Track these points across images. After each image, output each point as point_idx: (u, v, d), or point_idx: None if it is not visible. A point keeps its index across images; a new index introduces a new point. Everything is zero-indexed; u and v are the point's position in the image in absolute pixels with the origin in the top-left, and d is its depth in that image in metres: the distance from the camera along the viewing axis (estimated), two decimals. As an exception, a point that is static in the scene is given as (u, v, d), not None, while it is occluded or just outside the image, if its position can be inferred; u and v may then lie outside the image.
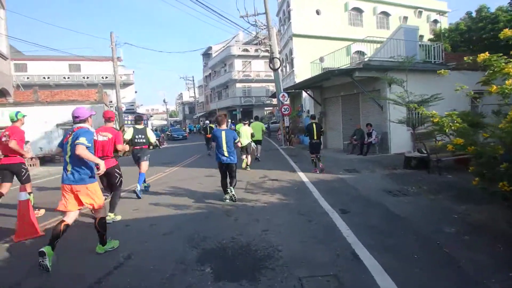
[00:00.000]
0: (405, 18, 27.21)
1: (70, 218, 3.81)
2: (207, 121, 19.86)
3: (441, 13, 30.06)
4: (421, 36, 23.75)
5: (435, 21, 29.41)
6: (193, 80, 56.85)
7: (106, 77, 35.50)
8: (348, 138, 14.60)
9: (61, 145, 3.95)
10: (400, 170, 9.27)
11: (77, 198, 3.81)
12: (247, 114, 43.90)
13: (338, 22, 24.78)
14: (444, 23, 29.62)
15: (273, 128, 33.13)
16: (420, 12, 28.37)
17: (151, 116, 55.60)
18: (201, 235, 4.45)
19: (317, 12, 24.21)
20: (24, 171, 5.93)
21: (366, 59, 12.54)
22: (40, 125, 18.08)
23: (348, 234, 4.37)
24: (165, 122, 69.53)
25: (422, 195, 6.41)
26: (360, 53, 22.72)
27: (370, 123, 13.00)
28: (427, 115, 5.84)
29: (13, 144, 5.45)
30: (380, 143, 13.01)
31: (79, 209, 3.95)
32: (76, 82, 34.62)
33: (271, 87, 43.25)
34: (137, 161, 7.28)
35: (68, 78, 35.00)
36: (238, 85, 43.72)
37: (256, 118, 16.83)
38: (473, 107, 14.51)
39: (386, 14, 26.82)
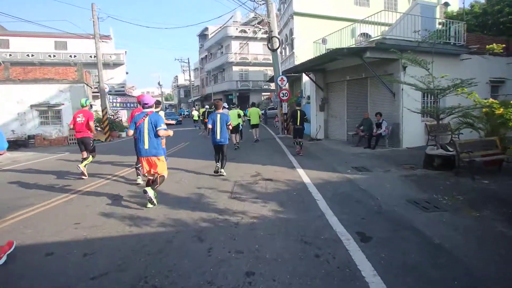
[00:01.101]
0: (415, -1, 25.21)
1: (147, 177, 5.47)
2: (207, 106, 21.08)
3: (453, -5, 28.06)
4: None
5: (446, 4, 27.43)
6: (189, 63, 54.61)
7: (95, 56, 33.30)
8: (353, 129, 13.01)
9: (134, 126, 5.25)
10: (420, 170, 7.71)
11: (150, 166, 5.28)
12: (243, 99, 42.09)
13: (343, 1, 22.81)
14: (455, 6, 27.74)
15: (270, 114, 31.42)
16: (430, -6, 26.32)
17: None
18: (150, 283, 2.88)
19: (321, -11, 22.19)
20: (92, 143, 8.15)
21: (378, 37, 10.81)
22: (12, 105, 16.33)
23: (377, 284, 2.82)
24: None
25: (461, 210, 4.86)
26: (366, 35, 20.88)
27: (379, 112, 11.39)
28: (482, 104, 4.21)
29: (92, 123, 7.91)
30: (390, 135, 11.43)
31: (151, 173, 5.33)
32: (62, 60, 32.47)
33: (269, 71, 41.30)
34: None
35: (54, 56, 32.83)
36: (235, 68, 41.71)
37: (253, 104, 16.46)
38: (494, 96, 12.95)
39: (395, -7, 24.82)
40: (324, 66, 14.40)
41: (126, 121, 26.54)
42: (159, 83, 73.99)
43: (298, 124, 10.80)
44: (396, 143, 11.27)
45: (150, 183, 5.34)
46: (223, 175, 7.48)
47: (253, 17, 42.15)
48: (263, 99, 43.62)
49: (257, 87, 42.85)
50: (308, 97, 21.70)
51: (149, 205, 5.15)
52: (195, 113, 27.18)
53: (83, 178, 7.57)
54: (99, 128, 18.46)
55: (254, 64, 42.16)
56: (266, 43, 41.86)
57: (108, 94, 30.78)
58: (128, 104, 30.29)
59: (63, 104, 16.77)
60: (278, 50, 18.01)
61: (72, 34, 29.45)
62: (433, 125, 11.79)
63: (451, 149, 7.81)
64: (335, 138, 14.57)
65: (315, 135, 15.15)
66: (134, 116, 5.40)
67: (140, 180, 7.01)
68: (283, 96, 16.94)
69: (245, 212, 4.81)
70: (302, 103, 21.48)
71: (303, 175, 7.34)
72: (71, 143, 16.88)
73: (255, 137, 14.66)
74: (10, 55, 31.28)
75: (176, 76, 75.36)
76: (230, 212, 4.82)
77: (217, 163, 7.72)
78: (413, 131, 11.35)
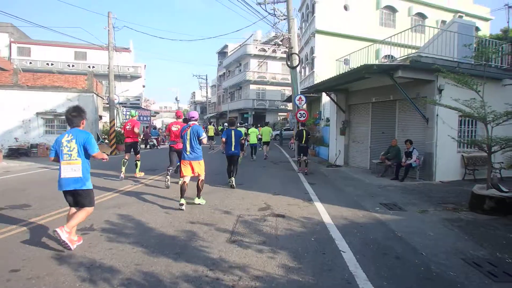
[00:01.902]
0: (443, 22, 24.08)
1: (187, 179, 6.34)
2: (226, 124, 21.40)
3: (483, 19, 26.83)
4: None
5: (477, 29, 26.15)
6: (206, 79, 54.56)
7: (113, 68, 33.32)
8: (378, 156, 11.66)
9: (182, 135, 6.48)
10: (467, 213, 6.28)
11: (192, 168, 6.34)
12: (259, 118, 41.17)
13: (367, 20, 21.90)
14: (485, 30, 26.44)
15: (286, 135, 30.21)
16: (461, 17, 25.15)
17: (156, 113, 53.31)
18: None
19: (345, 8, 21.38)
20: (138, 147, 10.11)
21: (413, 54, 9.57)
22: (18, 112, 15.73)
23: None
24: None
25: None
26: (391, 57, 19.77)
27: (410, 139, 10.03)
28: None
29: (137, 130, 9.76)
30: (421, 166, 10.01)
31: (192, 174, 6.36)
32: (80, 70, 32.45)
33: (287, 91, 40.48)
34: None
35: (73, 66, 32.99)
36: (252, 86, 41.06)
37: (266, 124, 18.65)
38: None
39: (422, 16, 23.79)
40: (347, 86, 13.23)
41: (142, 135, 25.85)
42: (176, 98, 74.43)
43: (303, 142, 11.59)
44: (428, 176, 9.84)
45: (197, 192, 6.51)
46: (233, 187, 8.21)
47: (273, 36, 41.84)
48: (279, 119, 42.61)
49: (273, 107, 41.95)
50: (327, 119, 20.48)
51: (200, 202, 6.51)
52: (210, 128, 26.27)
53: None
54: (106, 141, 17.67)
55: (272, 84, 41.43)
56: (284, 62, 41.51)
57: (123, 106, 30.56)
58: (142, 117, 29.81)
59: (70, 113, 16.07)
60: (298, 68, 16.99)
61: (92, 45, 29.53)
62: (472, 157, 10.36)
63: (505, 189, 6.39)
64: (357, 165, 13.19)
65: (334, 160, 13.82)
66: (181, 129, 6.79)
67: (168, 182, 8.25)
68: (300, 117, 15.73)
69: (246, 268, 3.55)
70: (320, 125, 20.26)
71: (323, 212, 6.03)
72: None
73: (265, 153, 16.31)
74: (30, 63, 31.57)
75: (194, 92, 75.80)
76: (225, 266, 3.56)
77: (230, 178, 8.42)
78: (447, 163, 9.93)
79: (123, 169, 9.43)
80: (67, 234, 3.74)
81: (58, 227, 3.75)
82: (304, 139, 11.50)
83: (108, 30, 16.54)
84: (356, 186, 8.99)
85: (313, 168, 12.84)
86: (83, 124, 4.15)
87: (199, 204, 6.37)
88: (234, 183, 8.24)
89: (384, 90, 11.51)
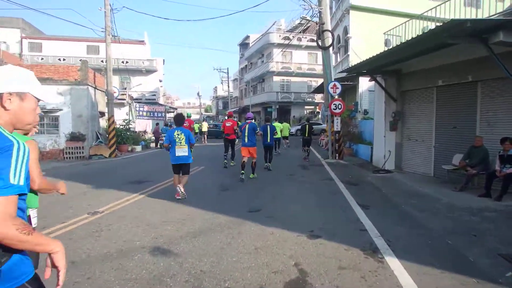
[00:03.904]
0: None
1: (245, 159, 8.73)
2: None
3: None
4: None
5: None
6: (228, 73, 51.82)
7: (127, 62, 31.34)
8: (447, 159, 8.45)
9: (241, 129, 9.04)
10: None
11: (248, 152, 8.77)
12: (284, 112, 38.12)
13: (413, -8, 18.22)
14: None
15: (315, 130, 26.95)
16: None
17: (175, 109, 51.28)
18: None
19: (386, -23, 17.83)
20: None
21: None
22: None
23: None
24: (198, 116, 65.41)
25: None
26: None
27: (509, 137, 6.76)
28: None
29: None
30: (527, 176, 6.71)
31: (249, 155, 8.75)
32: (93, 65, 30.58)
33: (314, 82, 37.10)
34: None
35: (86, 60, 31.23)
36: (276, 78, 37.95)
37: (281, 119, 21.06)
38: None
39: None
40: (400, 66, 9.99)
41: (151, 132, 23.55)
42: (198, 94, 72.58)
43: (306, 135, 13.52)
44: (539, 191, 6.55)
45: (252, 170, 8.94)
46: (270, 169, 10.32)
47: (298, 23, 38.43)
48: (306, 112, 39.29)
49: (299, 100, 38.65)
50: (365, 112, 17.20)
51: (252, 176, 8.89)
52: (204, 125, 23.95)
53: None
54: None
55: (297, 75, 38.10)
56: (311, 51, 38.23)
57: (136, 102, 28.44)
58: (156, 114, 27.55)
59: (61, 109, 13.77)
60: (330, 50, 13.83)
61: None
62: None
63: None
64: (413, 171, 9.95)
65: (383, 164, 10.63)
66: (240, 124, 10.32)
67: (225, 163, 10.95)
68: (335, 109, 12.66)
69: None
70: (357, 118, 17.00)
71: (405, 280, 3.08)
72: (67, 158, 13.79)
73: (285, 145, 17.89)
74: (42, 58, 30.13)
75: (215, 87, 73.60)
76: None
77: (266, 163, 10.52)
78: None
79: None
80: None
81: None
82: (307, 132, 13.43)
83: (105, 12, 14.06)
84: (433, 210, 5.88)
85: (356, 175, 9.76)
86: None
87: (254, 177, 8.80)
88: (270, 167, 10.44)
89: (457, 69, 8.25)
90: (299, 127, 27.60)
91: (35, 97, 1.42)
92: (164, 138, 20.56)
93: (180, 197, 6.33)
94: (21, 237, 1.18)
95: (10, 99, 1.33)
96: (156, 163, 12.94)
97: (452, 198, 6.76)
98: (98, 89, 15.88)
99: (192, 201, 6.29)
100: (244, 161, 8.71)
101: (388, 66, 9.82)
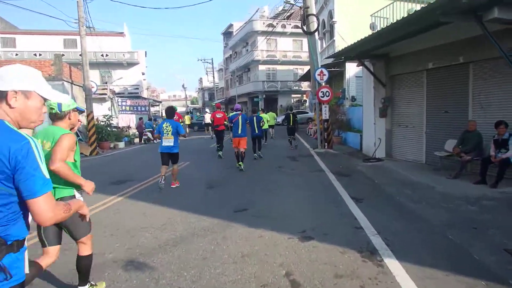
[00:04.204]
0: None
1: (239, 150, 8.98)
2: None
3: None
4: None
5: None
6: (212, 63, 50.76)
7: (107, 55, 30.24)
8: (438, 145, 8.21)
9: (231, 121, 9.45)
10: None
11: (240, 143, 9.00)
12: (271, 101, 37.66)
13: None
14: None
15: (301, 119, 26.63)
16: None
17: (160, 102, 50.24)
18: None
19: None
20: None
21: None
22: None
23: None
24: (184, 109, 64.33)
25: None
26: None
27: (504, 121, 6.50)
28: None
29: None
30: (522, 161, 6.49)
31: (240, 146, 9.00)
32: (71, 60, 29.39)
33: (300, 70, 36.63)
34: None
35: (63, 55, 29.90)
36: (261, 67, 37.34)
37: (268, 109, 20.79)
38: None
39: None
40: (388, 50, 9.63)
41: (135, 127, 22.82)
42: (183, 86, 71.30)
43: (291, 124, 13.84)
44: (535, 176, 6.35)
45: (241, 159, 8.95)
46: (261, 156, 10.98)
47: (282, 10, 37.68)
48: (293, 101, 38.91)
49: (286, 88, 38.18)
50: (353, 98, 16.90)
51: (239, 164, 8.88)
52: (187, 118, 23.32)
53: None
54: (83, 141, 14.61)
55: (283, 63, 37.54)
56: (296, 38, 37.58)
57: (118, 96, 27.52)
58: (139, 108, 26.72)
59: (35, 107, 13.01)
60: (316, 35, 13.37)
61: (95, 32, 26.51)
62: None
63: None
64: (405, 158, 9.70)
65: (373, 152, 10.35)
66: (231, 116, 10.31)
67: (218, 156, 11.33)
68: (322, 96, 12.29)
69: None
70: (345, 105, 16.71)
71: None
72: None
73: (271, 135, 17.35)
74: (16, 54, 28.76)
75: (201, 78, 72.45)
76: None
77: (255, 153, 10.90)
78: None
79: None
80: None
81: None
82: (291, 121, 13.81)
83: (77, 1, 13.20)
84: (428, 200, 5.59)
85: (346, 164, 9.46)
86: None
87: (241, 167, 8.79)
88: (261, 155, 11.03)
89: (447, 50, 7.94)
90: (284, 116, 27.34)
91: (41, 96, 1.44)
92: (147, 133, 19.96)
93: (174, 186, 7.07)
94: (67, 216, 1.47)
95: (15, 97, 1.36)
96: (140, 159, 12.40)
97: (447, 186, 6.50)
98: (75, 84, 15.11)
99: (174, 202, 5.86)
100: (236, 152, 9.06)
101: (376, 49, 9.42)
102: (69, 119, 2.71)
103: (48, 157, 2.42)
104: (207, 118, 22.39)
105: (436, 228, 4.32)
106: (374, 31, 9.60)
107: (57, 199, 2.43)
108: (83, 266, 2.73)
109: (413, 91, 9.41)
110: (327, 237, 4.05)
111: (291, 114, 14.04)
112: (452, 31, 7.24)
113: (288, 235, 4.12)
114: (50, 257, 2.58)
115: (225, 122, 11.81)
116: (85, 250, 2.70)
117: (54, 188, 2.43)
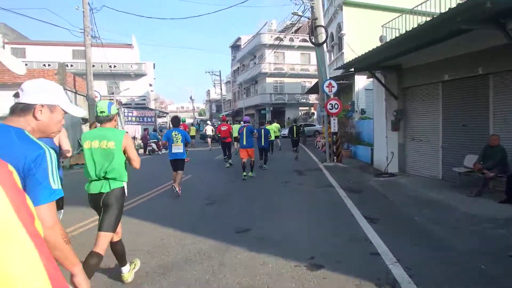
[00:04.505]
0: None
1: (245, 160, 9.17)
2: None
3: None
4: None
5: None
6: (220, 76, 50.98)
7: (115, 66, 30.45)
8: (457, 160, 7.67)
9: (239, 132, 9.75)
10: None
11: (247, 153, 9.26)
12: (278, 114, 37.34)
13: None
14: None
15: (308, 131, 26.20)
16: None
17: (166, 113, 50.37)
18: None
19: (380, -29, 17.15)
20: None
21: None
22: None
23: None
24: (191, 121, 64.43)
25: None
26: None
27: (531, 134, 5.98)
28: None
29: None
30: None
31: (247, 157, 9.29)
32: (79, 70, 29.67)
33: (307, 83, 36.37)
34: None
35: (72, 65, 30.22)
36: (269, 79, 37.17)
37: (273, 121, 20.19)
38: None
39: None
40: (400, 61, 9.20)
41: (140, 139, 22.55)
42: (191, 98, 71.68)
43: (294, 136, 14.26)
44: None
45: (250, 168, 9.47)
46: (265, 168, 11.08)
47: (290, 24, 37.72)
48: (300, 114, 38.53)
49: (293, 101, 37.90)
50: (362, 111, 16.43)
51: (251, 174, 9.49)
52: (208, 128, 22.51)
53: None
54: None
55: (290, 75, 37.35)
56: (304, 51, 37.48)
57: (125, 107, 27.44)
58: (145, 119, 26.59)
59: (37, 117, 12.83)
60: (325, 46, 13.03)
61: (92, 43, 26.69)
62: None
63: None
64: (420, 174, 9.14)
65: (385, 167, 9.81)
66: (239, 128, 10.58)
67: (228, 164, 11.64)
68: (331, 109, 11.86)
69: None
70: (354, 118, 16.23)
71: None
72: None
73: (279, 146, 18.14)
74: (26, 64, 28.92)
75: (208, 90, 72.76)
76: None
77: (261, 161, 11.31)
78: None
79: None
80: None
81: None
82: (295, 133, 14.30)
83: (83, 12, 13.14)
84: (452, 223, 5.04)
85: (357, 179, 8.93)
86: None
87: (252, 176, 9.41)
88: (265, 167, 11.16)
89: (465, 61, 7.48)
90: (288, 129, 26.87)
91: (63, 110, 1.56)
92: (151, 144, 19.61)
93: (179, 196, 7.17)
94: (61, 245, 1.39)
95: (41, 111, 1.47)
96: (143, 171, 11.97)
97: (470, 205, 5.94)
98: (79, 94, 14.96)
99: (171, 219, 5.40)
100: (244, 162, 9.26)
101: (387, 60, 9.00)
102: (115, 121, 3.10)
103: (110, 154, 2.89)
104: (209, 130, 22.06)
105: (464, 256, 3.78)
106: (383, 44, 9.21)
107: (111, 190, 2.90)
108: (119, 250, 3.14)
109: (427, 104, 8.92)
110: (339, 265, 3.54)
111: (294, 127, 14.59)
112: (469, 41, 6.81)
113: (294, 262, 3.63)
114: (118, 236, 3.13)
115: (231, 134, 12.40)
116: (116, 237, 3.11)
117: (108, 179, 2.90)
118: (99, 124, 3.07)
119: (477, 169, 6.63)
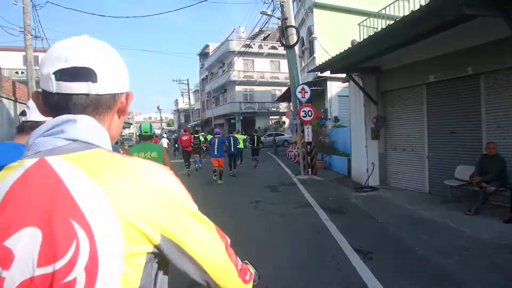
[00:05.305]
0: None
1: (217, 168, 10.18)
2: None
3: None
4: None
5: None
6: (188, 84, 49.21)
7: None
8: (446, 172, 6.85)
9: (210, 143, 10.69)
10: None
11: (218, 162, 10.12)
12: (248, 123, 36.25)
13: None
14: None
15: (279, 141, 25.29)
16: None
17: (130, 124, 48.05)
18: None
19: (349, -26, 16.68)
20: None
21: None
22: None
23: None
24: (158, 131, 61.92)
25: None
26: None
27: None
28: None
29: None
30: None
31: (218, 165, 10.18)
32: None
33: (278, 91, 35.63)
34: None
35: (22, 73, 27.64)
36: (238, 88, 36.15)
37: (239, 132, 19.89)
38: None
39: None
40: (379, 62, 8.39)
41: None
42: (158, 108, 69.42)
43: (255, 145, 15.05)
44: None
45: (219, 176, 10.21)
46: (235, 176, 11.69)
47: (258, 31, 37.04)
48: (271, 123, 37.71)
49: (263, 110, 37.01)
50: (336, 119, 15.66)
51: (220, 182, 10.15)
52: (164, 141, 20.58)
53: None
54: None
55: (260, 83, 36.54)
56: (273, 59, 36.91)
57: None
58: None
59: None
60: (296, 49, 12.11)
61: (45, 48, 24.42)
62: None
63: None
64: (404, 187, 8.27)
65: (366, 180, 8.87)
66: (209, 139, 12.02)
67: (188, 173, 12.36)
68: (305, 116, 10.89)
69: None
70: (327, 126, 15.40)
71: None
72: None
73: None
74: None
75: (176, 100, 70.70)
76: None
77: (231, 170, 11.91)
78: None
79: None
80: None
81: None
82: (255, 142, 14.95)
83: (23, 7, 11.41)
84: (459, 251, 4.05)
85: (336, 195, 7.89)
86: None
87: (221, 183, 10.10)
88: (235, 173, 11.87)
89: (452, 61, 6.73)
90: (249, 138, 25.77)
91: None
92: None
93: None
94: None
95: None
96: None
97: (473, 227, 5.02)
98: (20, 102, 13.06)
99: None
100: (215, 169, 10.27)
101: (366, 61, 8.14)
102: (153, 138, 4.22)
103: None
104: (164, 143, 20.25)
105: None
106: (362, 41, 8.35)
107: None
108: None
109: (410, 109, 8.11)
110: None
111: (255, 136, 15.29)
112: (457, 38, 6.07)
113: None
114: None
115: (191, 143, 12.97)
116: None
117: None
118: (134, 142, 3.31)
119: (475, 182, 5.76)
